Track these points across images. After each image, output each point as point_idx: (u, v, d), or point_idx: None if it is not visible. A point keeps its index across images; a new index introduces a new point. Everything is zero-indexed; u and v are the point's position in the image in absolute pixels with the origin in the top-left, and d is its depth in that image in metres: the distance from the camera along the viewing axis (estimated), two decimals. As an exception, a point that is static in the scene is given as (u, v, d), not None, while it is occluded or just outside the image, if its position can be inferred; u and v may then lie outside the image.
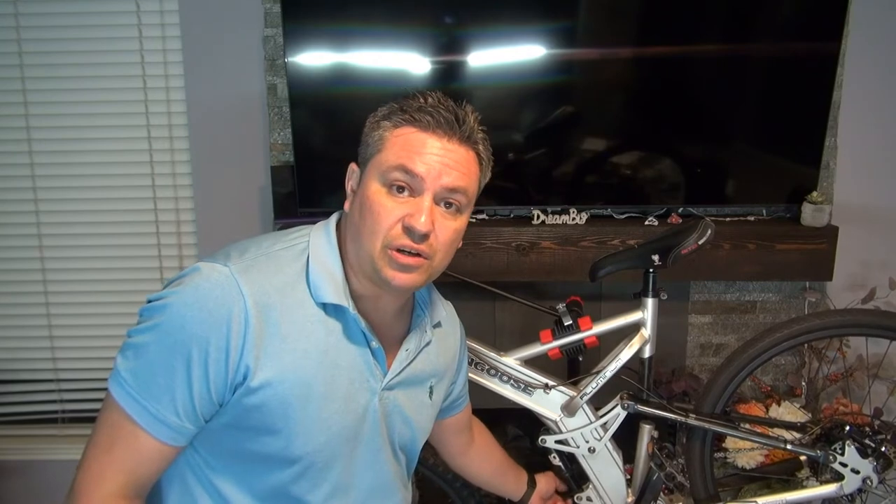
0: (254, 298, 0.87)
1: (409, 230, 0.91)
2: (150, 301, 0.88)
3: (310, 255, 0.95)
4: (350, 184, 0.99)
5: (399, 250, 0.92)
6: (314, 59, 1.83)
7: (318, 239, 0.97)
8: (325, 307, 0.94)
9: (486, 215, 1.99)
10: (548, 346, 1.47)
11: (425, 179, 0.91)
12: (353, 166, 1.00)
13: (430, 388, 1.11)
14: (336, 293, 0.93)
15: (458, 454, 1.37)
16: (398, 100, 0.96)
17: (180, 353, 0.84)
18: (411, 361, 1.05)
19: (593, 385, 1.44)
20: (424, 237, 0.92)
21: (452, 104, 0.95)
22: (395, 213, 0.91)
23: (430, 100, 0.94)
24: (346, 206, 0.98)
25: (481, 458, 1.40)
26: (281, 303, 0.90)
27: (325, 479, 0.98)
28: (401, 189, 0.92)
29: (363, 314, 0.97)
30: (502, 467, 1.43)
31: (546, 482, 1.48)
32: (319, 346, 0.92)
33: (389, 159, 0.92)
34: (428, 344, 1.09)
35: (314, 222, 1.01)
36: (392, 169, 0.91)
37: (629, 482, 1.51)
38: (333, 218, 1.02)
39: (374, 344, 0.98)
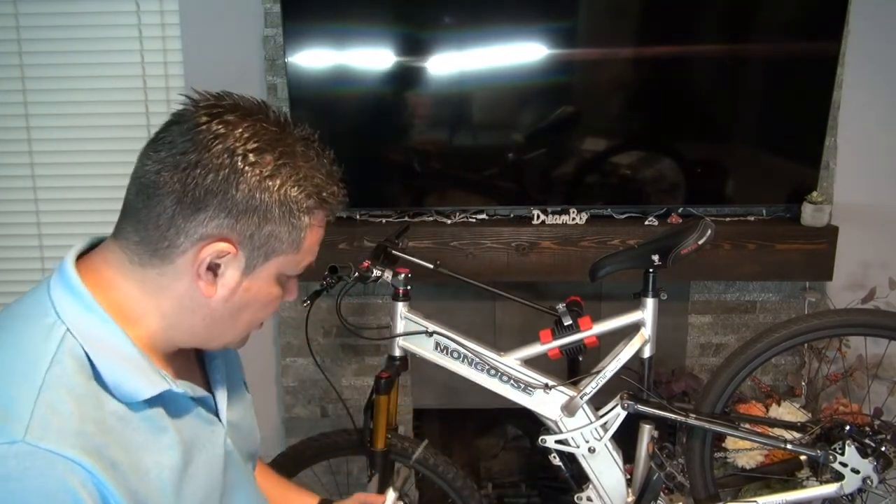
0: (84, 454, 0.64)
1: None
2: None
3: (86, 350, 0.69)
4: (209, 261, 0.72)
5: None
6: (314, 59, 1.84)
7: (80, 321, 0.71)
8: (144, 402, 0.73)
9: (486, 215, 1.99)
10: (548, 346, 1.47)
11: None
12: (229, 249, 0.72)
13: (244, 383, 0.99)
14: (150, 381, 0.73)
15: None
16: (309, 176, 0.74)
17: None
18: (226, 384, 0.92)
19: (593, 385, 1.44)
20: None
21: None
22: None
23: (336, 182, 0.78)
24: (204, 289, 0.73)
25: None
26: (104, 434, 0.67)
27: None
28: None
29: (168, 368, 0.79)
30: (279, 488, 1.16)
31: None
32: (163, 442, 0.75)
33: (300, 262, 0.78)
34: (223, 353, 0.94)
35: None
36: (300, 269, 0.80)
37: (629, 482, 1.51)
38: (73, 276, 0.75)
39: (197, 394, 0.82)
